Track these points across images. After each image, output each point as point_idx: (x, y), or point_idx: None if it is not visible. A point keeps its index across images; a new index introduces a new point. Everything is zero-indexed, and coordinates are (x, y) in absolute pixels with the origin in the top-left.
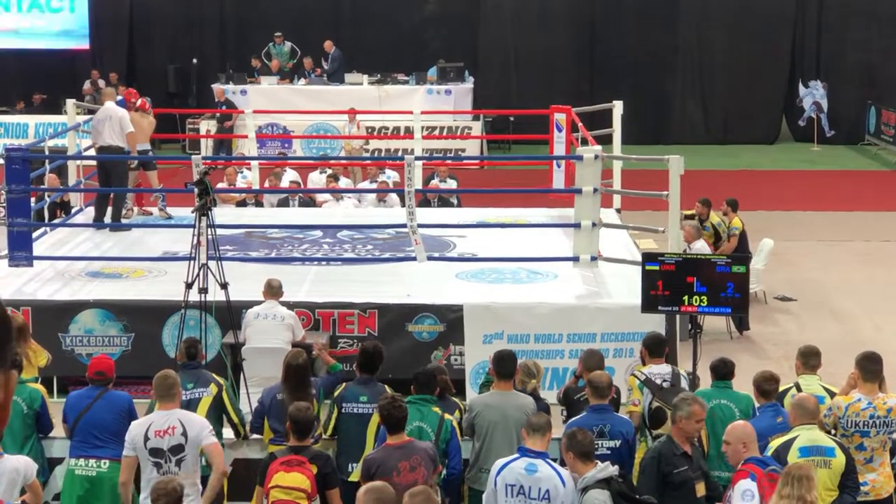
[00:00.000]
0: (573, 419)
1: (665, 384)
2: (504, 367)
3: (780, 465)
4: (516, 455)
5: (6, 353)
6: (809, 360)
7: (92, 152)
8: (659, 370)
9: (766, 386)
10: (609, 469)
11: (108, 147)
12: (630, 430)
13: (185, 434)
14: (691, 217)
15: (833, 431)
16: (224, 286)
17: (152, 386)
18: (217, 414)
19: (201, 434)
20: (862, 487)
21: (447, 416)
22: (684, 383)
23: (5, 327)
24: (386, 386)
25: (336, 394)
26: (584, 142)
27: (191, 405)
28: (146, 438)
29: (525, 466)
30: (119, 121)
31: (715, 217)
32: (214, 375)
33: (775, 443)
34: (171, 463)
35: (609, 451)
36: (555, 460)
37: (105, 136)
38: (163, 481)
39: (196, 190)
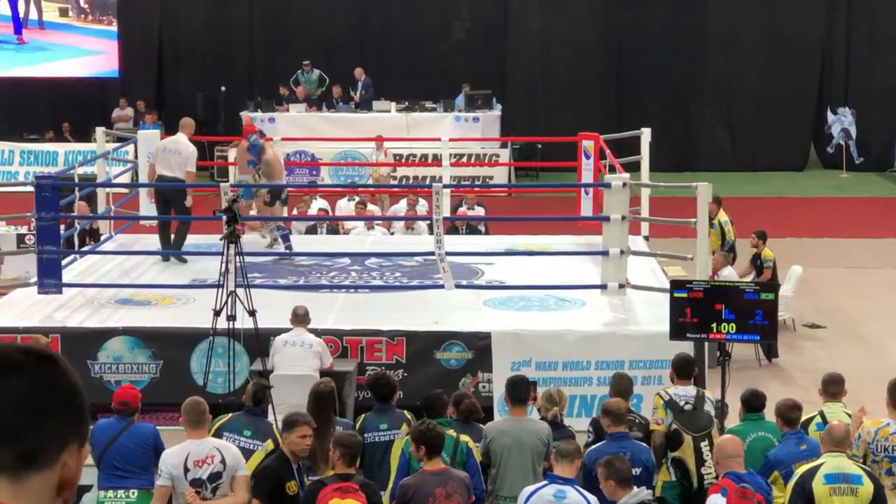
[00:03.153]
0: (594, 447)
1: (688, 407)
2: (517, 392)
3: (751, 482)
4: (545, 482)
5: (82, 427)
6: (830, 387)
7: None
8: (684, 392)
9: (790, 414)
10: (642, 494)
11: (170, 178)
12: (650, 458)
13: (223, 462)
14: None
15: (863, 460)
16: (252, 313)
17: (182, 413)
18: None
19: (238, 464)
20: None
21: (462, 437)
22: (709, 406)
23: (80, 399)
24: (405, 411)
25: (357, 426)
26: (612, 169)
27: (243, 454)
28: (186, 469)
29: (554, 493)
30: (186, 158)
31: (723, 216)
32: (275, 429)
33: (801, 469)
34: (208, 490)
35: None
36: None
37: (172, 167)
38: None
39: (224, 217)
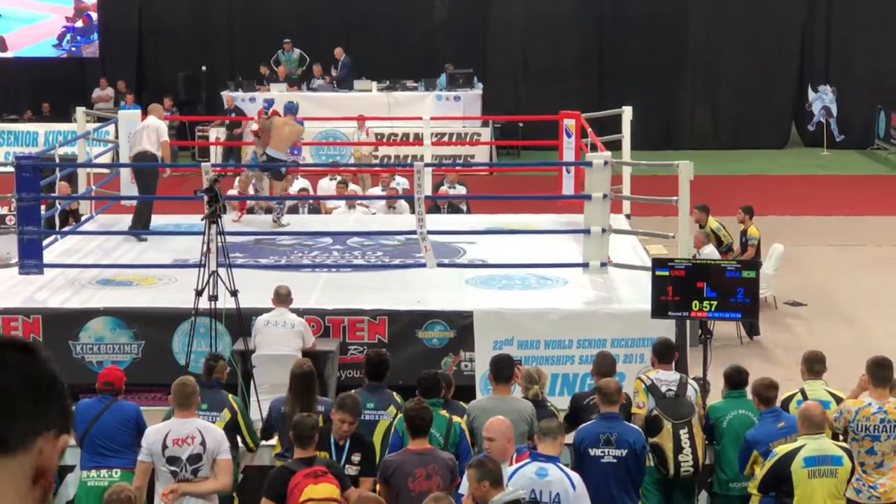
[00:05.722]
0: (583, 426)
1: (670, 393)
2: (501, 371)
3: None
4: (527, 460)
5: (59, 415)
6: (814, 366)
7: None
8: (666, 377)
9: (767, 393)
10: (517, 493)
11: (142, 153)
12: (638, 440)
13: (203, 444)
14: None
15: (841, 437)
16: (234, 293)
17: (171, 392)
18: (231, 439)
19: (220, 447)
20: (872, 491)
21: (455, 418)
22: (691, 392)
23: (56, 387)
24: (394, 392)
25: None
26: (594, 147)
27: None
28: (164, 446)
29: (535, 471)
30: (156, 129)
31: (713, 223)
32: (230, 398)
33: (780, 449)
34: (188, 472)
35: (615, 460)
36: (566, 465)
37: (143, 142)
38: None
39: (206, 197)
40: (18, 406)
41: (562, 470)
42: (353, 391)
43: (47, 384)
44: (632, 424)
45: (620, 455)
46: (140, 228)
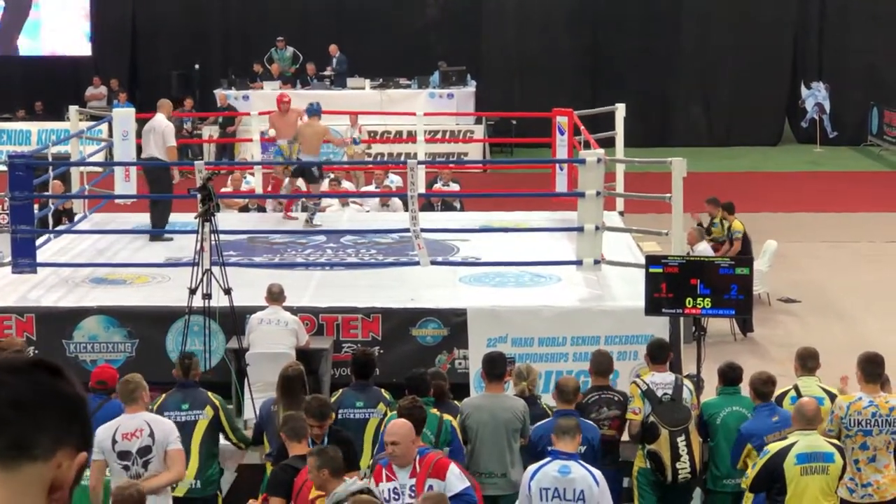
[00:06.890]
0: (539, 423)
1: (665, 397)
2: (494, 368)
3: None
4: (548, 459)
5: (80, 433)
6: (807, 362)
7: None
8: (662, 379)
9: (764, 388)
10: (358, 483)
11: (151, 159)
12: (595, 436)
13: (152, 435)
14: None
15: (837, 436)
16: (228, 291)
17: (117, 392)
18: (214, 436)
19: (169, 437)
20: (866, 489)
21: (446, 416)
22: (686, 394)
23: (81, 407)
24: (382, 390)
25: (333, 399)
26: (587, 145)
27: (185, 428)
28: (114, 441)
29: (558, 469)
30: (162, 133)
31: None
32: (210, 395)
33: (773, 447)
34: (139, 465)
35: None
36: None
37: (151, 147)
38: (120, 488)
39: (199, 195)
40: (46, 419)
41: (584, 467)
42: (340, 390)
43: (73, 403)
44: (588, 421)
45: (580, 451)
46: (159, 228)
